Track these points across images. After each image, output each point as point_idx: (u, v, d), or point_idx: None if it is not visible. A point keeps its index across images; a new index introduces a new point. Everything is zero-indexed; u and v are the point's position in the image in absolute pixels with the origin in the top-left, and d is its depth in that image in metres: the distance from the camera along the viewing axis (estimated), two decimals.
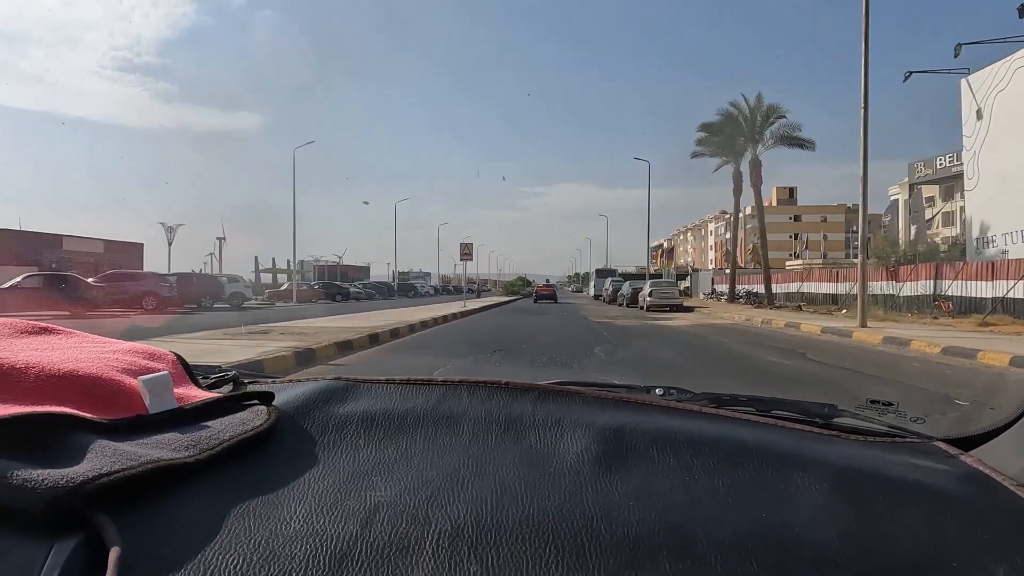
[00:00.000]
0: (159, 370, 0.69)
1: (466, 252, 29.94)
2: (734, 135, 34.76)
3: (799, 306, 26.31)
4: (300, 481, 0.56)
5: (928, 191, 42.55)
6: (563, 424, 0.65)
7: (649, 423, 0.67)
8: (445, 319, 18.67)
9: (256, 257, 58.08)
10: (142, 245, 38.63)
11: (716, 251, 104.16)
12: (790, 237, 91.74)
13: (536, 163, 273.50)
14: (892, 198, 58.48)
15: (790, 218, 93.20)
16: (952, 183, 37.56)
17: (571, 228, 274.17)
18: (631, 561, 0.48)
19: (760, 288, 32.88)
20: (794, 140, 33.71)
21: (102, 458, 0.51)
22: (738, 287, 36.86)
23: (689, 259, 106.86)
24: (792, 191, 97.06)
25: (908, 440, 0.75)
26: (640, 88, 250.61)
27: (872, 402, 0.91)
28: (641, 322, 19.45)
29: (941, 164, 38.56)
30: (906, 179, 43.12)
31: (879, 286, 22.99)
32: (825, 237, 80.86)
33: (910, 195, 43.96)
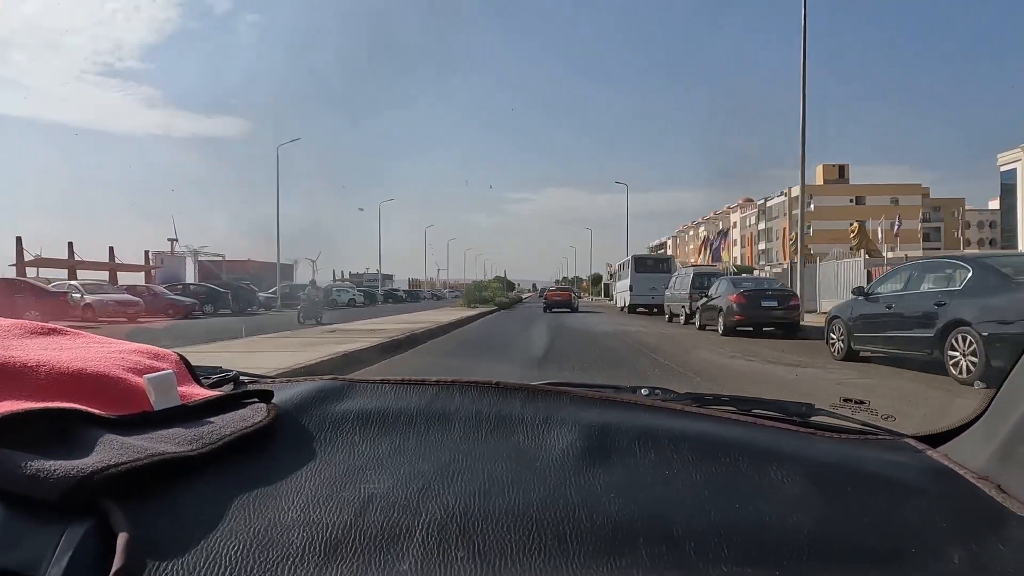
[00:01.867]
0: (163, 369, 0.72)
1: None
2: None
3: None
4: (298, 474, 0.59)
5: None
6: (551, 421, 0.68)
7: (634, 421, 0.69)
8: None
9: (70, 243, 35.61)
10: None
11: (745, 246, 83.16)
12: (850, 225, 69.78)
13: (522, 168, 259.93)
14: (1005, 168, 37.01)
15: (850, 200, 71.57)
16: None
17: (557, 234, 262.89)
18: (610, 547, 0.51)
19: None
20: None
21: (110, 451, 0.54)
22: None
23: (704, 258, 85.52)
24: (843, 169, 75.50)
25: (880, 437, 0.77)
26: (628, 93, 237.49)
27: (845, 400, 0.93)
28: None
29: None
30: None
31: None
32: (893, 225, 57.06)
33: None
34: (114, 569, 0.44)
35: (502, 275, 73.78)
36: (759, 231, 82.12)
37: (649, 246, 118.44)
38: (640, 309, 28.04)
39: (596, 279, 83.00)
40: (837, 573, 0.51)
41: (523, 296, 67.30)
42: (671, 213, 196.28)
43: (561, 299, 31.99)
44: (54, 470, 0.49)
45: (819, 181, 74.10)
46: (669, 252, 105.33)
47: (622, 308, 31.42)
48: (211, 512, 0.52)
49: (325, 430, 0.66)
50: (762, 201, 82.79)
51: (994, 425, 0.69)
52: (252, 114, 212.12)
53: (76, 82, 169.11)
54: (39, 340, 0.74)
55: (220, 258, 55.47)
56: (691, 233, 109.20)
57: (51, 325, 0.79)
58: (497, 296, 39.05)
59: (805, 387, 7.11)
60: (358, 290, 49.90)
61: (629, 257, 31.76)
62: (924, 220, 71.10)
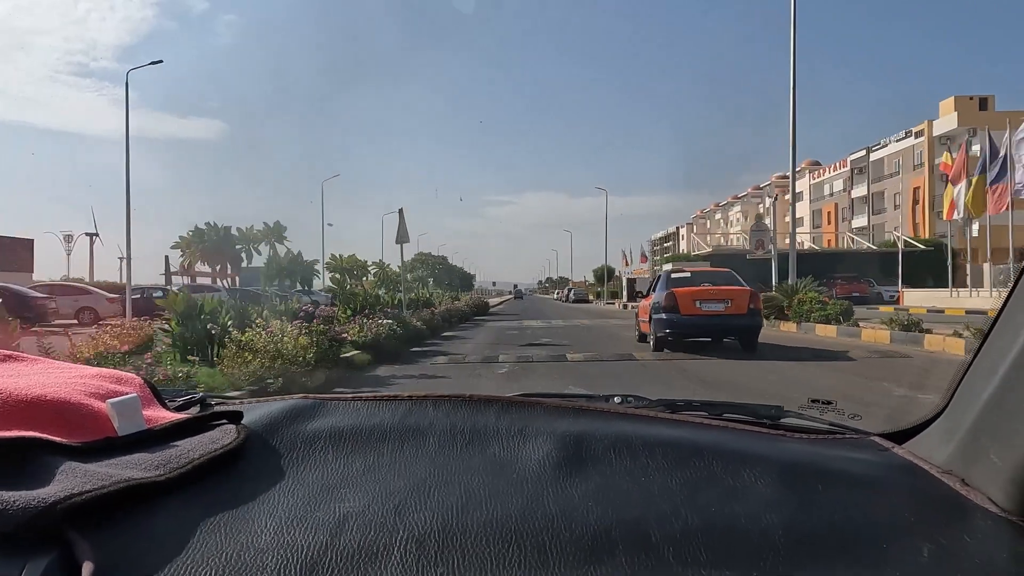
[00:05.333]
0: (127, 393, 0.70)
1: None
2: None
3: None
4: (270, 496, 0.58)
5: None
6: (526, 433, 0.68)
7: (608, 429, 0.69)
8: None
9: None
10: None
11: (822, 222, 66.44)
12: None
13: (503, 171, 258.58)
14: None
15: None
16: None
17: (539, 237, 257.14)
18: (590, 556, 0.51)
19: None
20: None
21: (73, 479, 0.52)
22: None
23: (725, 244, 68.73)
24: (984, 102, 50.87)
25: (847, 436, 0.80)
26: (614, 95, 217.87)
27: (813, 401, 0.96)
28: None
29: None
30: None
31: None
32: None
33: None
34: None
35: (490, 282, 39.35)
36: (852, 200, 61.34)
37: (651, 239, 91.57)
38: None
39: (609, 273, 62.31)
40: (811, 571, 0.52)
41: (491, 303, 46.13)
42: (654, 216, 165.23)
43: (729, 312, 10.73)
44: (14, 501, 0.48)
45: (952, 121, 52.07)
46: (683, 245, 75.90)
47: None
48: (181, 538, 0.51)
49: (297, 449, 0.65)
50: (860, 153, 52.93)
51: (955, 420, 0.70)
52: (230, 116, 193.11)
53: (48, 82, 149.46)
54: None
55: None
56: (718, 217, 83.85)
57: (7, 352, 0.77)
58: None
59: None
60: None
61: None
62: None
